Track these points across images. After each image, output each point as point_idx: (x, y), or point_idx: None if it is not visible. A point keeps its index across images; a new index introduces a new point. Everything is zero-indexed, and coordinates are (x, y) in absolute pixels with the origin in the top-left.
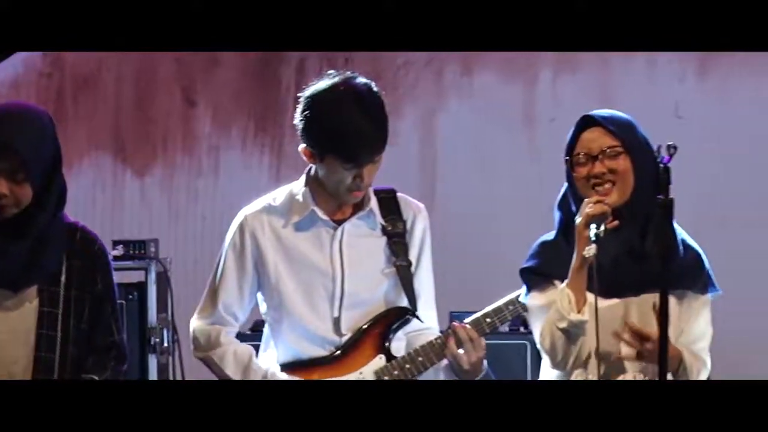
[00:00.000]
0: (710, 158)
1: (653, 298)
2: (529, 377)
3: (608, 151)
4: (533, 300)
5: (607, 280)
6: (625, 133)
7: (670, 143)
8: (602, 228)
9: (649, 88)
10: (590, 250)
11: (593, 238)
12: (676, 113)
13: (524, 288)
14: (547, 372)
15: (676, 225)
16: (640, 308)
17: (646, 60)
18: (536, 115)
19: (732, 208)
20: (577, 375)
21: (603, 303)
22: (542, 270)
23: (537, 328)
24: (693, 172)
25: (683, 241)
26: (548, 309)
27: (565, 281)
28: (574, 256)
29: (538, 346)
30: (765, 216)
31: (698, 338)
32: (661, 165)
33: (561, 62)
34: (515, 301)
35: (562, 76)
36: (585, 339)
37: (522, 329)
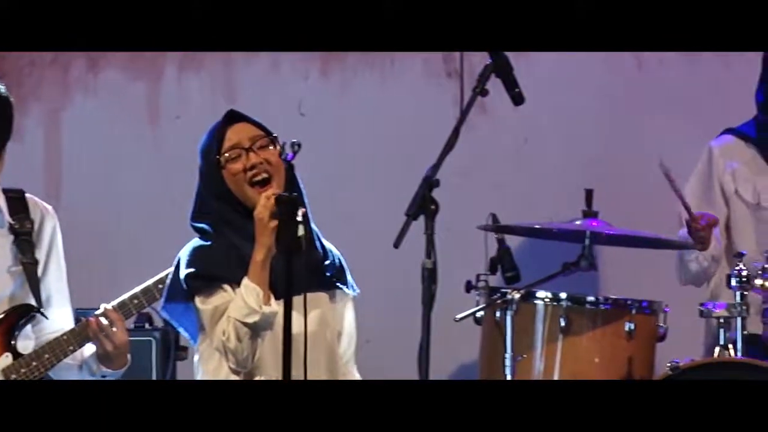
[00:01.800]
0: (333, 155)
1: (324, 296)
2: (154, 375)
3: (259, 141)
4: (202, 304)
5: (279, 279)
6: (266, 126)
7: (294, 140)
8: (301, 212)
9: (274, 86)
10: (300, 230)
11: (300, 220)
12: (299, 111)
13: (166, 293)
14: (209, 373)
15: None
16: (315, 306)
17: (270, 59)
18: (161, 112)
19: (356, 205)
20: (259, 377)
21: (278, 304)
22: (208, 273)
23: (215, 331)
24: (320, 170)
25: (319, 238)
26: (222, 311)
27: (245, 277)
28: (256, 249)
29: (217, 346)
30: (390, 213)
31: (351, 337)
32: (286, 161)
33: (186, 60)
34: (139, 296)
35: (187, 74)
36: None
37: (147, 326)
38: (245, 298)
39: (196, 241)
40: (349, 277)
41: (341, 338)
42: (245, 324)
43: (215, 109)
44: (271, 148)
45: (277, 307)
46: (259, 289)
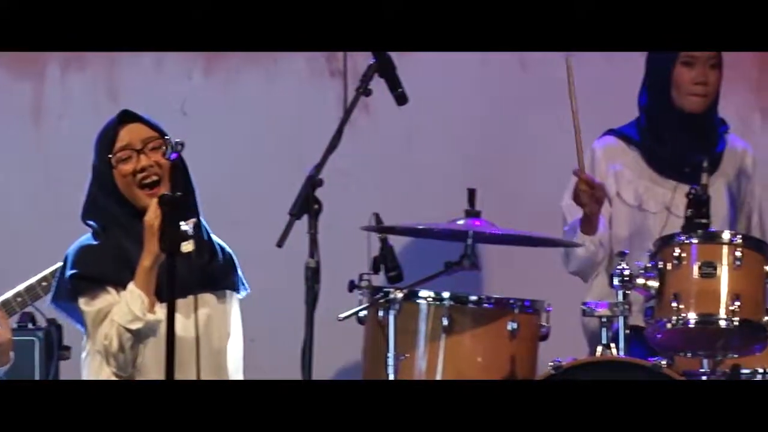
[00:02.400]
0: (218, 155)
1: (212, 297)
2: (37, 374)
3: (151, 143)
4: (86, 306)
5: (165, 281)
6: (160, 127)
7: (177, 140)
8: (192, 224)
9: (157, 85)
10: (188, 246)
11: (190, 233)
12: (182, 110)
13: (54, 291)
14: (92, 372)
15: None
16: (203, 308)
17: (153, 58)
18: (44, 112)
19: (239, 204)
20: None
21: (162, 307)
22: (93, 275)
23: (98, 333)
24: (203, 169)
25: (211, 238)
26: (105, 313)
27: (131, 283)
28: (144, 255)
29: (99, 349)
30: (273, 212)
31: (237, 338)
32: (168, 160)
33: (69, 59)
34: (22, 293)
35: (70, 73)
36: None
37: (30, 326)
38: (130, 305)
39: (84, 240)
40: (240, 276)
41: (229, 341)
42: (128, 330)
43: (99, 109)
44: (161, 146)
45: (161, 315)
46: (145, 296)
